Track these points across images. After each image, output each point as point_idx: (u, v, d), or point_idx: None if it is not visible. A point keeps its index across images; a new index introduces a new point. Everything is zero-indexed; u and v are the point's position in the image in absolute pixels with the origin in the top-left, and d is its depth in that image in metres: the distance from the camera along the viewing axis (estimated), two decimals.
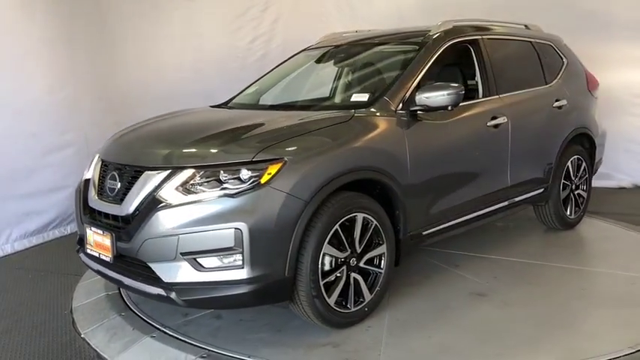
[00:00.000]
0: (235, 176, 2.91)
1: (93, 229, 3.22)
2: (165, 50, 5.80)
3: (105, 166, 3.34)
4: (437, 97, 3.50)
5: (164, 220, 2.89)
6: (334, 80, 4.46)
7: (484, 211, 4.13)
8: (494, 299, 3.62)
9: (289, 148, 3.02)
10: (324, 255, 3.08)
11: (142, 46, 5.68)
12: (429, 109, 3.57)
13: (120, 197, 3.12)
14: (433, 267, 4.18)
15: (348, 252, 3.22)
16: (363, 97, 3.68)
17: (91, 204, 3.33)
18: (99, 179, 3.35)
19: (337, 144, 3.19)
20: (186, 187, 2.92)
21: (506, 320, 3.33)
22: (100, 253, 3.18)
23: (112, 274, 3.18)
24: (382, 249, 3.39)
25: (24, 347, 3.34)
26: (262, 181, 2.88)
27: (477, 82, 4.27)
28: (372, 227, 3.32)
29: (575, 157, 4.95)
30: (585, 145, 5.17)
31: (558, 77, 4.90)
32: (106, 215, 3.19)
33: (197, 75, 5.97)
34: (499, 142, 4.18)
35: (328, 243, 3.09)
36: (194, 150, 3.11)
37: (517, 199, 4.43)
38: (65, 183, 5.35)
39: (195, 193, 2.90)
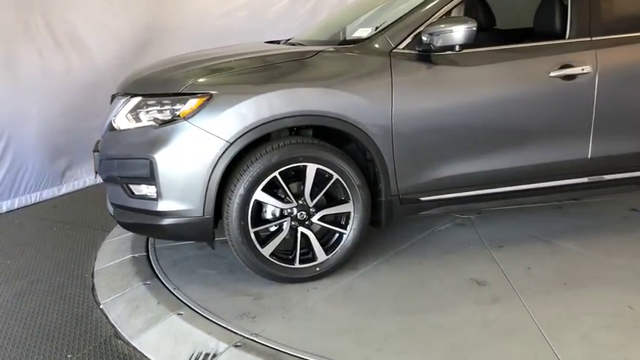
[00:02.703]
0: (169, 108, 2.87)
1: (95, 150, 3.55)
2: None
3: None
4: (440, 33, 2.88)
5: (110, 144, 3.05)
6: (378, 15, 3.90)
7: (538, 185, 3.28)
8: (485, 292, 2.90)
9: (219, 83, 2.84)
10: (257, 202, 2.88)
11: None
12: (435, 50, 2.95)
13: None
14: (472, 243, 3.49)
15: (294, 204, 2.93)
16: (364, 33, 3.20)
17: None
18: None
19: (278, 83, 2.85)
20: (135, 114, 2.99)
21: (469, 321, 2.66)
22: (95, 172, 3.51)
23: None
24: (347, 207, 3.00)
25: (35, 317, 3.04)
26: (181, 114, 2.79)
27: (567, 20, 3.31)
28: (333, 182, 2.95)
29: None
30: None
31: None
32: None
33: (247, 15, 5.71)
34: (572, 99, 3.20)
35: (265, 191, 2.87)
36: (151, 80, 3.14)
37: (607, 177, 3.37)
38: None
39: (138, 121, 2.96)
